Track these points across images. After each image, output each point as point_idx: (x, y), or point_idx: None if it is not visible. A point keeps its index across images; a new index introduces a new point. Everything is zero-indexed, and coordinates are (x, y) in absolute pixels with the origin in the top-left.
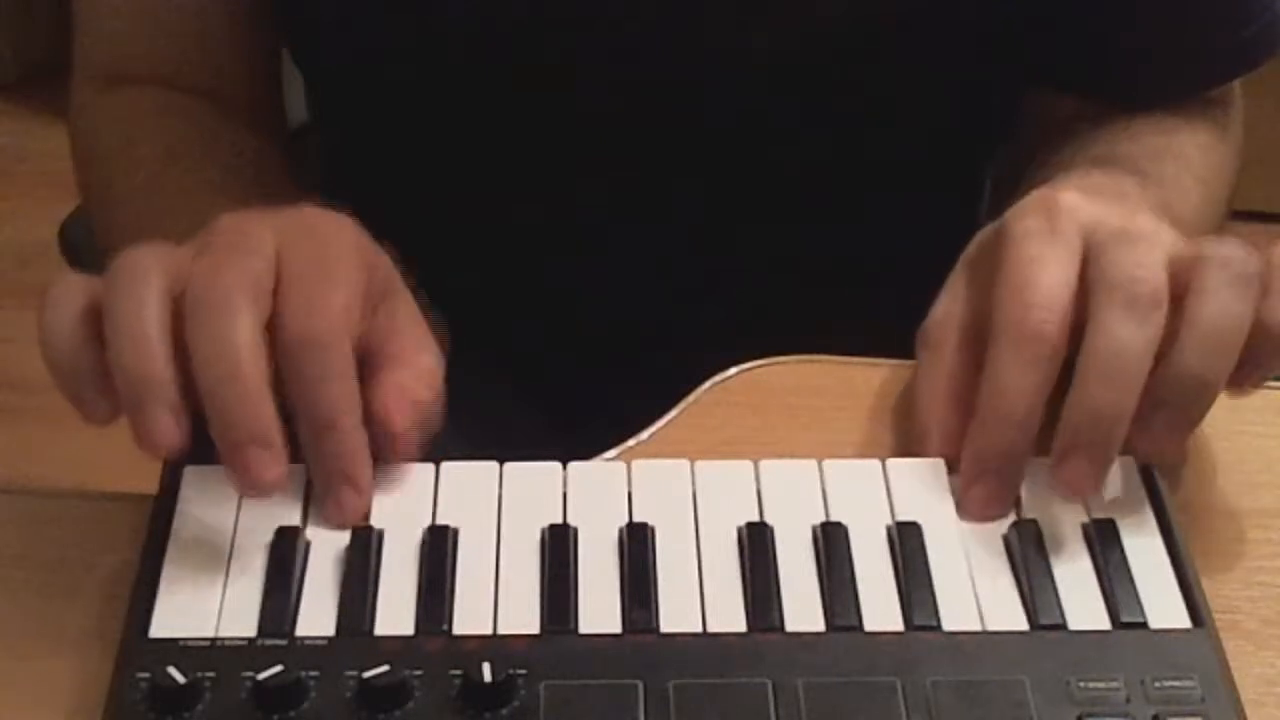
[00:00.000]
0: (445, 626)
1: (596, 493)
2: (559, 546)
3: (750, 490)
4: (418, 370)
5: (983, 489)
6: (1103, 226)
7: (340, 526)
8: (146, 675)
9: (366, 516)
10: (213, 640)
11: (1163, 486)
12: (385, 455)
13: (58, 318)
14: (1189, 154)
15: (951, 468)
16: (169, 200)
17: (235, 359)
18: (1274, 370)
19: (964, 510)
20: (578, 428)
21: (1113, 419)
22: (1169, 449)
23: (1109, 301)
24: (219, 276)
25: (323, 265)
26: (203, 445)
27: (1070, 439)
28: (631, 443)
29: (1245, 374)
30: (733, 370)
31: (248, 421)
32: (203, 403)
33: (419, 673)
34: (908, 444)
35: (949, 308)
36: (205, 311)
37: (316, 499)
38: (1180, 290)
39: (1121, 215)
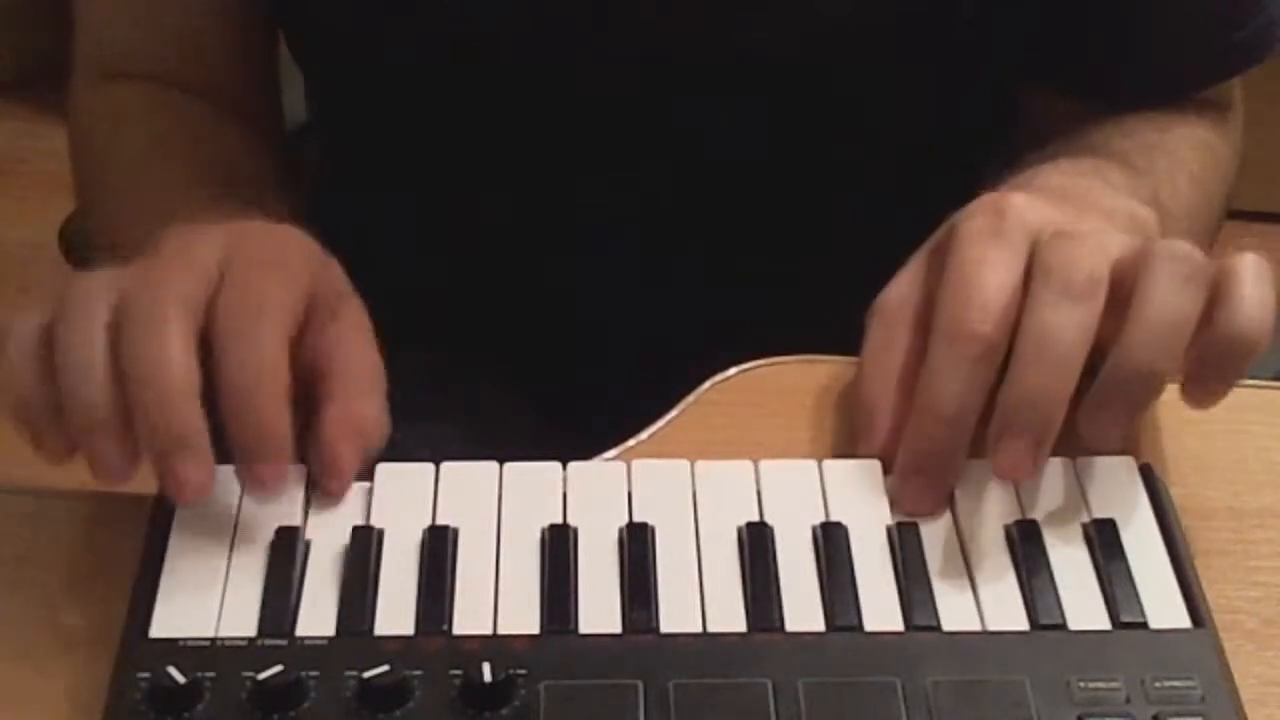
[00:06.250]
0: (445, 626)
1: (596, 493)
2: (559, 546)
3: (750, 490)
4: (362, 410)
5: (913, 487)
6: (1048, 227)
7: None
8: (146, 675)
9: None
10: (213, 640)
11: (1163, 487)
12: (324, 485)
13: (14, 355)
14: (1183, 151)
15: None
16: (147, 196)
17: (158, 368)
18: (1234, 380)
19: (898, 505)
20: (578, 428)
21: (1046, 401)
22: (1112, 439)
23: (1043, 288)
24: (151, 290)
25: (261, 288)
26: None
27: (1004, 423)
28: (631, 443)
29: (1206, 384)
30: (733, 370)
31: (171, 428)
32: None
33: (419, 673)
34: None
35: (907, 289)
36: (134, 324)
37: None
38: (1129, 288)
39: (1069, 217)
